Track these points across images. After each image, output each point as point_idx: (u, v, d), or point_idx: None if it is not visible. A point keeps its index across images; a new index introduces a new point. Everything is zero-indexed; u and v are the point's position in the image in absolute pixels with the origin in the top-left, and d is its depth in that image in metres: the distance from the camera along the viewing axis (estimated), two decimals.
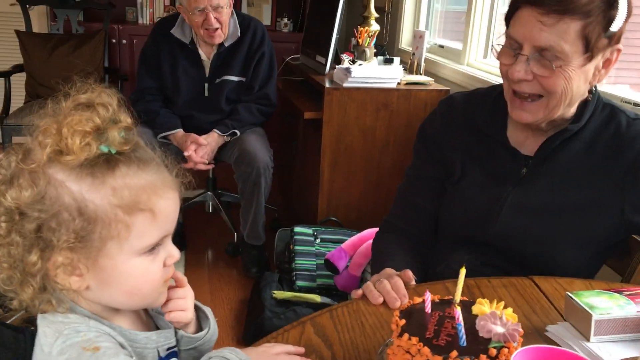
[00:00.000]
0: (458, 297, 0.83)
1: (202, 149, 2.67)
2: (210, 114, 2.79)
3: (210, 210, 3.34)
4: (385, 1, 3.49)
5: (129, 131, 0.74)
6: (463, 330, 0.75)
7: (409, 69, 2.84)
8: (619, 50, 1.10)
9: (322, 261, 2.43)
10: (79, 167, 0.69)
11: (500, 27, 2.79)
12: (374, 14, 3.03)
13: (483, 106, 1.25)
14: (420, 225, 1.30)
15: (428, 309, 0.81)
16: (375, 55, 2.96)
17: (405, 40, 3.39)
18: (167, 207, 0.75)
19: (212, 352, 0.81)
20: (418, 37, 2.83)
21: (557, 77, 1.06)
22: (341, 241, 2.47)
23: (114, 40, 3.82)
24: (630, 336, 0.88)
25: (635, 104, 1.77)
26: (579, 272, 1.14)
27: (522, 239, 1.17)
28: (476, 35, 2.73)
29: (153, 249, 0.75)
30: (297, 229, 2.57)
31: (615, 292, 0.92)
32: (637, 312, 0.87)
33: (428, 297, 0.82)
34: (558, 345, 0.88)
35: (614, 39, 1.07)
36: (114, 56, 3.85)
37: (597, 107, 1.16)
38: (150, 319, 0.86)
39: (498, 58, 1.14)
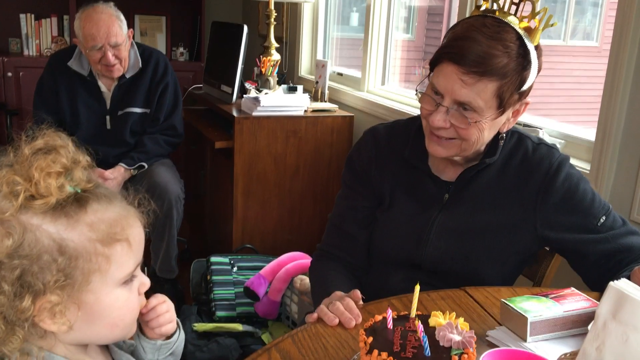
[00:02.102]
0: (414, 312, 0.91)
1: (108, 183, 2.58)
2: (114, 147, 2.72)
3: None
4: (283, 31, 3.60)
5: (88, 170, 0.78)
6: (427, 342, 0.82)
7: (313, 96, 2.95)
8: (527, 103, 1.22)
9: (241, 289, 2.44)
10: (51, 209, 0.72)
11: (395, 52, 2.99)
12: (274, 43, 3.11)
13: (406, 137, 1.34)
14: (354, 252, 1.37)
15: (390, 325, 0.88)
16: (278, 83, 3.05)
17: (304, 68, 3.51)
18: (139, 235, 0.80)
19: None
20: (320, 66, 2.95)
21: (472, 128, 1.17)
22: (259, 268, 2.50)
23: None
24: (559, 334, 1.00)
25: (525, 125, 1.98)
26: (501, 283, 1.27)
27: (450, 259, 1.27)
28: (374, 63, 2.90)
29: (130, 279, 0.79)
30: (214, 259, 2.57)
31: (541, 296, 1.05)
32: (564, 312, 1.00)
33: (389, 314, 0.89)
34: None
35: (524, 94, 1.20)
36: None
37: (506, 136, 1.29)
38: (108, 353, 0.88)
39: (420, 102, 1.24)
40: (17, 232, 0.69)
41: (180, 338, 0.95)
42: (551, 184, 1.24)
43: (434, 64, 1.20)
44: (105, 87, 2.70)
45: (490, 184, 1.27)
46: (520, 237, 1.26)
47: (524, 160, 1.27)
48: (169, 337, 0.94)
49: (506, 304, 1.02)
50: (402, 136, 1.35)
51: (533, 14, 1.21)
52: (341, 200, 1.41)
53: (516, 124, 1.43)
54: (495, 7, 1.23)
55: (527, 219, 1.25)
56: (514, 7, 1.22)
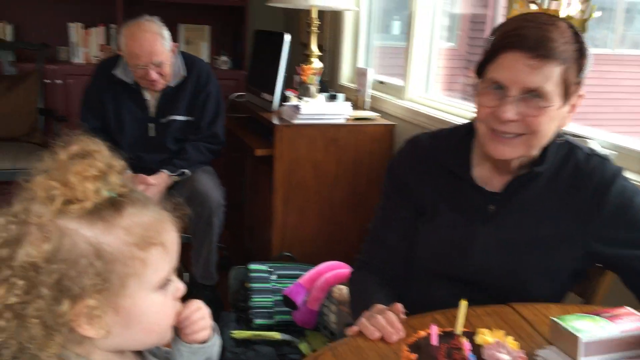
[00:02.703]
0: (460, 328, 0.88)
1: (150, 189, 2.62)
2: (157, 154, 2.76)
3: None
4: (325, 39, 3.59)
5: (123, 174, 0.78)
6: None
7: (354, 104, 2.93)
8: (580, 96, 1.18)
9: (280, 298, 2.43)
10: (88, 213, 0.72)
11: (438, 60, 2.94)
12: (316, 51, 3.11)
13: (449, 147, 1.31)
14: (394, 264, 1.34)
15: (435, 341, 0.85)
16: (319, 91, 3.04)
17: (345, 76, 3.49)
18: (173, 239, 0.80)
19: None
20: (362, 74, 2.93)
21: (543, 116, 1.12)
22: (297, 276, 2.49)
23: (47, 81, 3.71)
24: (614, 356, 0.94)
25: (574, 135, 1.91)
26: (551, 299, 1.22)
27: (496, 274, 1.22)
28: (416, 71, 2.86)
29: (165, 283, 0.79)
30: (253, 266, 2.56)
31: (593, 314, 1.00)
32: (621, 332, 0.95)
33: (434, 330, 0.86)
34: None
35: (580, 85, 1.16)
36: (49, 97, 3.73)
37: (556, 145, 1.24)
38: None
39: (479, 102, 1.18)
40: (55, 237, 0.70)
41: (216, 343, 0.95)
42: (604, 197, 1.18)
43: (488, 61, 1.16)
44: (150, 95, 2.75)
45: (539, 196, 1.22)
46: (571, 252, 1.21)
47: (575, 172, 1.22)
48: (205, 341, 0.94)
49: (557, 322, 0.98)
50: (445, 145, 1.32)
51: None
52: (381, 210, 1.38)
53: (565, 134, 1.39)
54: (533, 7, 1.21)
55: (578, 233, 1.20)
56: (555, 3, 1.20)
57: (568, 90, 1.13)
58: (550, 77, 1.10)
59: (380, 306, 1.12)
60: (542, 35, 1.09)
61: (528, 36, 1.10)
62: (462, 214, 1.27)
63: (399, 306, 1.10)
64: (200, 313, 0.90)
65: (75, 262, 0.70)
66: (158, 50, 2.54)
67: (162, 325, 0.80)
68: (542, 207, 1.22)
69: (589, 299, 1.36)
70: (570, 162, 1.23)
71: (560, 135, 1.25)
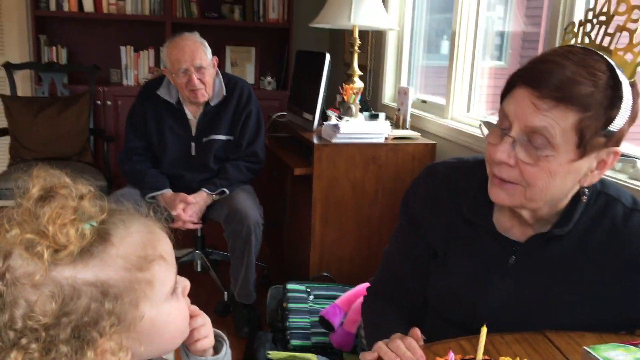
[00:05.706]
0: (480, 356, 0.83)
1: (190, 207, 2.66)
2: (198, 172, 2.80)
3: (199, 269, 3.30)
4: (368, 59, 3.59)
5: (95, 198, 0.73)
6: None
7: (394, 123, 2.89)
8: (616, 153, 1.01)
9: (317, 319, 2.39)
10: (78, 255, 0.67)
11: (481, 80, 2.88)
12: (358, 71, 3.10)
13: (467, 184, 1.17)
14: (405, 293, 1.27)
15: None
16: (361, 111, 3.02)
17: (388, 95, 3.47)
18: (168, 245, 0.77)
19: None
20: (403, 93, 2.90)
21: (541, 168, 0.98)
22: (335, 297, 2.45)
23: (98, 102, 3.84)
24: None
25: (623, 155, 1.81)
26: None
27: (513, 330, 1.10)
28: (459, 89, 2.81)
29: (174, 289, 0.77)
30: (290, 286, 2.54)
31: (630, 344, 0.93)
32: None
33: (452, 357, 0.81)
34: None
35: (613, 140, 0.99)
36: (99, 117, 3.86)
37: (590, 198, 1.09)
38: None
39: (486, 137, 1.06)
40: (56, 291, 0.66)
41: (228, 353, 0.93)
42: None
43: (505, 93, 1.04)
44: (192, 115, 2.80)
45: (567, 254, 1.09)
46: (605, 316, 1.09)
47: (612, 231, 1.07)
48: (216, 352, 0.92)
49: (588, 352, 0.92)
50: (464, 182, 1.18)
51: (631, 46, 1.08)
52: (395, 239, 1.31)
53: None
54: (587, 40, 1.12)
55: (616, 298, 1.08)
56: (607, 39, 1.10)
57: (585, 142, 0.96)
58: (559, 122, 0.94)
59: (398, 334, 1.05)
60: (565, 77, 0.94)
61: (548, 75, 0.95)
62: (477, 261, 1.14)
63: (418, 332, 1.05)
64: (199, 319, 0.87)
65: (85, 309, 0.66)
66: (199, 55, 2.63)
67: (183, 327, 0.80)
68: (570, 266, 1.09)
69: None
70: (607, 219, 1.08)
71: (591, 189, 1.09)
